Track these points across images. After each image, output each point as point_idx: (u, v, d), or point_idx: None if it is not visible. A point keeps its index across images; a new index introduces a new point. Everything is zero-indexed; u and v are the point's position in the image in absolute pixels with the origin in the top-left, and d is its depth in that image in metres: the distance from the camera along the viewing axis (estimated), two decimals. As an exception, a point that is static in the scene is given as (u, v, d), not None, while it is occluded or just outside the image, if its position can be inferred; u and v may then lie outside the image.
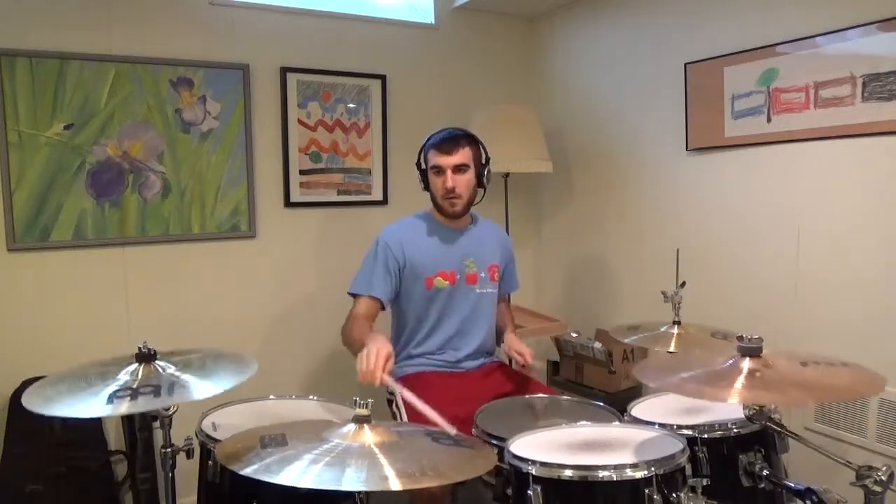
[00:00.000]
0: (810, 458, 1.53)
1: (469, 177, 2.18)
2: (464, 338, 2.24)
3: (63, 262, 2.49)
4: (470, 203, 2.22)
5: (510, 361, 2.64)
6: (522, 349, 2.16)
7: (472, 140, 2.21)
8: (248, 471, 1.19)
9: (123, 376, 1.52)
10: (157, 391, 1.46)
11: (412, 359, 2.24)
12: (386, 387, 2.23)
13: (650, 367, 1.66)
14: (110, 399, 1.42)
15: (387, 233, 2.22)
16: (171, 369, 1.56)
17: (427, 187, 2.24)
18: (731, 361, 1.48)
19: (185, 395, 1.46)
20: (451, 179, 2.14)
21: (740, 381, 1.39)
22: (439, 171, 2.16)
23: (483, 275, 2.26)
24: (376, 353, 1.68)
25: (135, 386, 1.48)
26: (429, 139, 2.22)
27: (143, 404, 1.43)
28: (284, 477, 1.16)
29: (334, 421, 1.42)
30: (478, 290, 2.25)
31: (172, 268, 2.67)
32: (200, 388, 1.48)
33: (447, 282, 2.20)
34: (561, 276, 3.41)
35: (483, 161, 2.23)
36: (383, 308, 2.20)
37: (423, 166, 2.23)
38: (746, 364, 1.45)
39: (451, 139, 2.17)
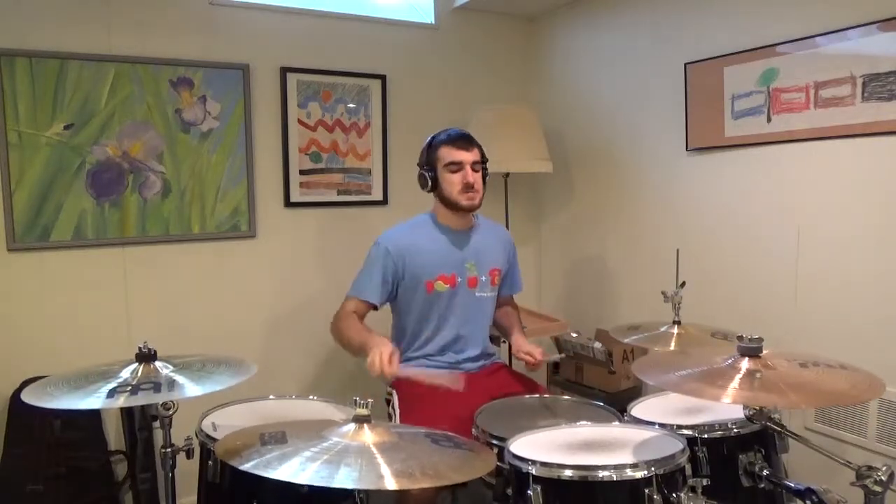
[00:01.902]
0: (810, 458, 1.53)
1: (480, 174, 2.21)
2: (464, 342, 2.24)
3: (63, 262, 2.48)
4: (482, 200, 2.23)
5: (510, 361, 2.64)
6: (531, 349, 2.15)
7: (476, 141, 2.24)
8: (246, 466, 1.20)
9: (124, 374, 1.54)
10: (156, 388, 1.48)
11: (412, 361, 2.23)
12: (384, 387, 2.25)
13: (649, 364, 1.66)
14: (110, 394, 1.44)
15: (388, 238, 2.21)
16: (171, 369, 1.57)
17: (434, 188, 2.21)
18: (730, 361, 1.48)
19: (183, 391, 1.47)
20: (471, 174, 2.16)
21: (739, 382, 1.39)
22: (458, 167, 2.16)
23: (484, 278, 2.26)
24: (380, 355, 1.84)
25: (134, 383, 1.50)
26: (435, 138, 2.22)
27: (142, 399, 1.45)
28: (282, 473, 1.16)
29: (335, 420, 1.42)
30: (478, 294, 2.25)
31: (172, 268, 2.67)
32: (198, 386, 1.50)
33: (447, 285, 2.20)
34: (561, 276, 3.41)
35: (484, 163, 2.25)
36: (375, 308, 2.22)
37: (431, 166, 2.20)
38: (745, 364, 1.45)
39: (465, 137, 2.20)
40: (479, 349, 2.27)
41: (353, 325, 2.12)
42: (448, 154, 2.17)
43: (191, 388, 1.49)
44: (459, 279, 2.22)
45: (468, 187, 2.16)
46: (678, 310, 2.07)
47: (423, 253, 2.19)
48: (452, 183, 2.17)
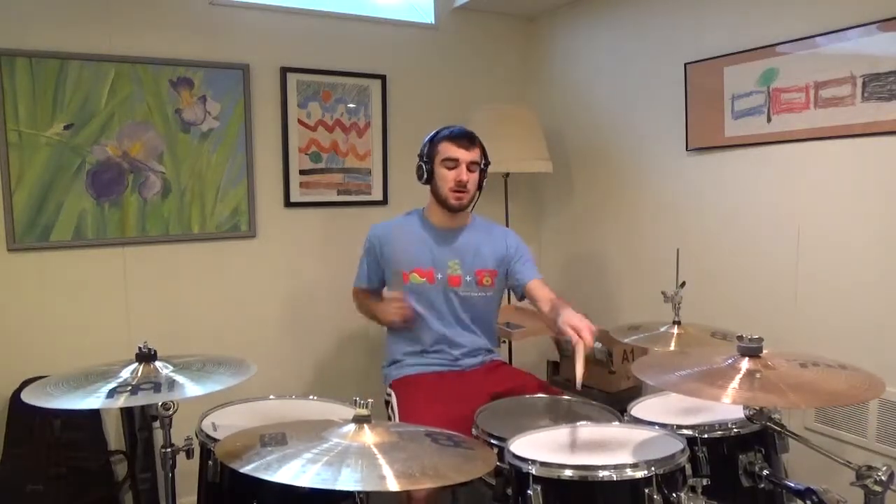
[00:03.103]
0: (810, 458, 1.53)
1: (477, 176, 2.22)
2: (453, 339, 2.24)
3: (63, 262, 2.48)
4: (472, 201, 2.24)
5: (510, 360, 2.64)
6: (579, 324, 1.80)
7: (480, 142, 2.25)
8: (247, 469, 1.20)
9: (124, 374, 1.54)
10: (156, 388, 1.48)
11: (410, 357, 2.24)
12: (384, 388, 2.25)
13: (649, 364, 1.66)
14: (110, 394, 1.44)
15: (372, 229, 2.34)
16: (171, 369, 1.58)
17: (429, 180, 2.23)
18: (730, 361, 1.48)
19: (183, 391, 1.47)
20: (465, 174, 2.17)
21: (739, 382, 1.39)
22: (454, 164, 2.17)
23: (468, 278, 2.25)
24: (394, 312, 2.21)
25: (134, 383, 1.50)
26: (439, 132, 2.23)
27: (142, 399, 1.45)
28: (283, 475, 1.16)
29: (334, 420, 1.42)
30: (462, 293, 2.24)
31: (172, 268, 2.67)
32: (198, 386, 1.50)
33: (423, 279, 2.22)
34: (561, 275, 3.41)
35: (484, 165, 2.25)
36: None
37: (430, 158, 2.21)
38: (745, 364, 1.45)
39: (468, 136, 2.22)
40: (473, 346, 2.27)
41: (365, 301, 2.40)
42: (446, 150, 2.18)
43: (191, 388, 1.49)
44: (439, 275, 2.23)
45: (460, 185, 2.17)
46: (678, 310, 2.07)
47: (401, 244, 2.26)
48: (445, 179, 2.19)
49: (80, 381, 1.51)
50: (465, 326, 2.26)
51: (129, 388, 1.47)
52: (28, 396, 1.46)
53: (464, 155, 2.18)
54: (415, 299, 2.23)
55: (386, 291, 2.34)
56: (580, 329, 1.79)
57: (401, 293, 2.23)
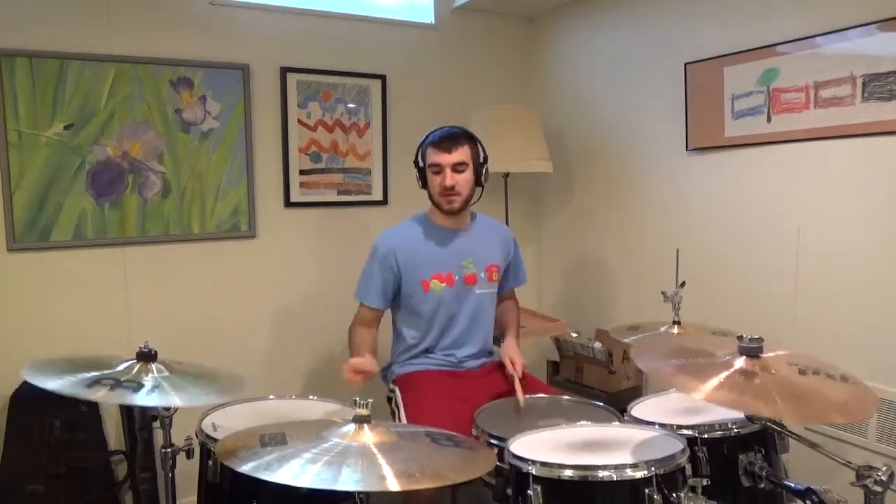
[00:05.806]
0: (810, 458, 1.53)
1: (468, 175, 2.18)
2: (466, 339, 2.24)
3: (63, 262, 2.48)
4: (468, 201, 2.21)
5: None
6: (516, 359, 2.17)
7: (470, 138, 2.21)
8: (246, 468, 1.20)
9: (123, 371, 1.57)
10: (152, 389, 1.49)
11: (416, 357, 2.24)
12: (386, 386, 2.25)
13: (646, 350, 1.65)
14: (108, 387, 1.46)
15: (381, 240, 2.22)
16: (167, 373, 1.59)
17: (425, 185, 2.23)
18: (727, 359, 1.47)
19: (175, 399, 1.49)
20: (449, 178, 2.14)
21: (729, 383, 1.38)
22: (438, 169, 2.16)
23: (482, 275, 2.26)
24: (348, 374, 1.98)
25: (131, 380, 1.51)
26: (427, 137, 2.22)
27: (138, 399, 1.47)
28: (282, 475, 1.16)
29: (334, 421, 1.42)
30: (477, 291, 2.25)
31: (172, 268, 2.67)
32: (189, 395, 1.53)
33: (444, 284, 2.20)
34: (561, 276, 3.42)
35: (481, 160, 2.23)
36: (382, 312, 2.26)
37: (421, 164, 2.22)
38: (743, 364, 1.44)
39: (450, 137, 2.17)
40: (479, 346, 2.27)
41: (353, 339, 2.22)
42: (430, 155, 2.18)
43: (183, 398, 1.51)
44: (457, 277, 2.22)
45: (446, 190, 2.15)
46: (678, 310, 2.07)
47: (417, 252, 2.20)
48: (433, 184, 2.19)
49: (79, 368, 1.53)
50: (477, 326, 2.26)
51: (131, 385, 1.48)
52: (27, 375, 1.47)
53: (445, 159, 2.14)
54: (438, 305, 2.20)
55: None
56: (515, 362, 2.15)
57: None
